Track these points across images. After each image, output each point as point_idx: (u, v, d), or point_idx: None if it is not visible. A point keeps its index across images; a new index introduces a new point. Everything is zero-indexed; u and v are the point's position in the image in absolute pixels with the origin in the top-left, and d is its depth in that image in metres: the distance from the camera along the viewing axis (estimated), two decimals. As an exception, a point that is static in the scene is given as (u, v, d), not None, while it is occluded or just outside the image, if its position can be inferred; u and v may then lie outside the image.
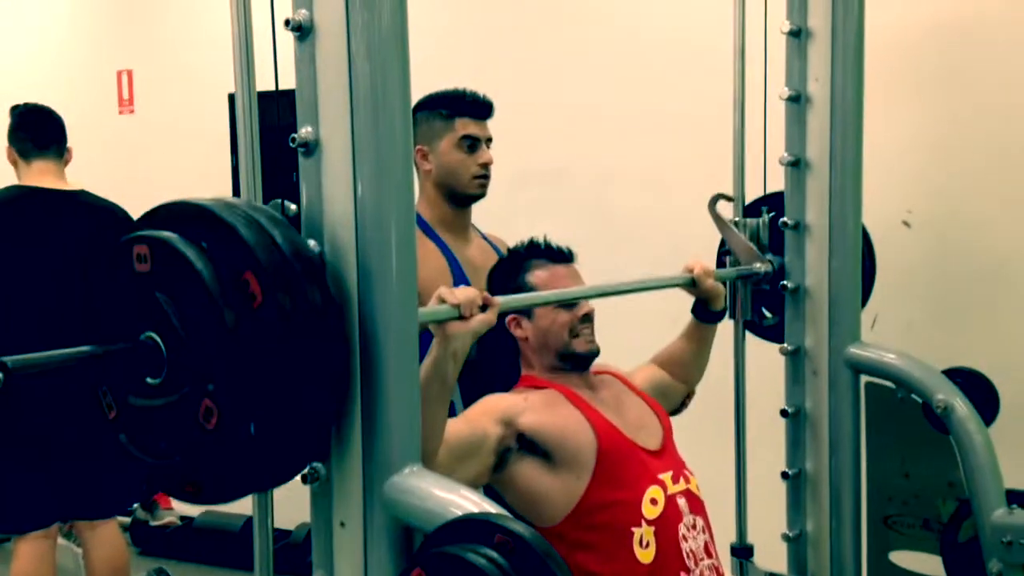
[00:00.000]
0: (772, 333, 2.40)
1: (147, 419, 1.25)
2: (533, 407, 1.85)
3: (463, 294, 1.51)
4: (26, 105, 3.00)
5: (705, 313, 2.18)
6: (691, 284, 2.12)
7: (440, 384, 1.51)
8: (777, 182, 2.36)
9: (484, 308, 1.53)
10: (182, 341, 1.19)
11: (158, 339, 1.21)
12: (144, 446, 1.27)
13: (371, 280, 1.30)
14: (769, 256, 2.31)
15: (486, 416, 1.79)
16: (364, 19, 1.29)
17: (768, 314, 2.39)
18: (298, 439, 1.25)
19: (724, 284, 2.22)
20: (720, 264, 2.41)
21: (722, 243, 2.43)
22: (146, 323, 1.22)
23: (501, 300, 1.59)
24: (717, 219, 2.31)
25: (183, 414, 1.20)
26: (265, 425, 1.19)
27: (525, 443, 1.81)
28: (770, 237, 2.34)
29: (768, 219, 2.34)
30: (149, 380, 1.23)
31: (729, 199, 2.35)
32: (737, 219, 2.36)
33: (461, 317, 1.49)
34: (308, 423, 1.25)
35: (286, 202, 1.35)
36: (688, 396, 2.27)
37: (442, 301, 1.49)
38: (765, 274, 2.29)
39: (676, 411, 2.25)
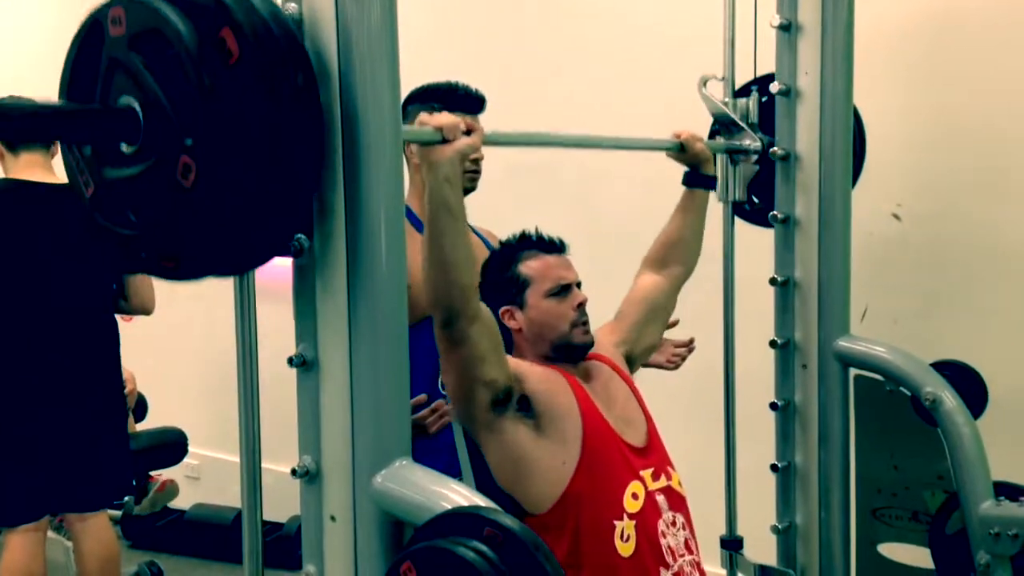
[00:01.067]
0: (760, 217, 2.39)
1: (125, 190, 1.22)
2: (535, 376, 1.88)
3: (444, 118, 1.51)
4: (9, 97, 2.98)
5: (697, 178, 2.19)
6: (680, 149, 2.12)
7: (446, 212, 1.52)
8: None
9: (468, 133, 1.54)
10: (158, 101, 1.17)
11: (135, 103, 1.19)
12: (121, 220, 1.24)
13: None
14: (759, 134, 2.31)
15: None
16: (354, 12, 1.29)
17: (756, 199, 2.39)
18: (277, 208, 1.23)
19: (714, 158, 2.22)
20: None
21: (712, 124, 2.42)
22: (121, 88, 1.20)
23: (485, 130, 1.59)
24: (706, 99, 2.30)
25: (160, 179, 1.18)
26: (243, 185, 1.17)
27: (524, 404, 1.82)
28: (759, 116, 2.33)
29: (758, 99, 2.33)
30: (125, 148, 1.21)
31: (719, 79, 2.34)
32: (727, 99, 2.35)
33: (445, 140, 1.49)
34: (288, 191, 1.22)
35: None
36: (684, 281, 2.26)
37: (424, 126, 1.50)
38: (755, 150, 2.29)
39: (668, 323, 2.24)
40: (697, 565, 1.89)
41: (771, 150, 2.27)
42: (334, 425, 1.35)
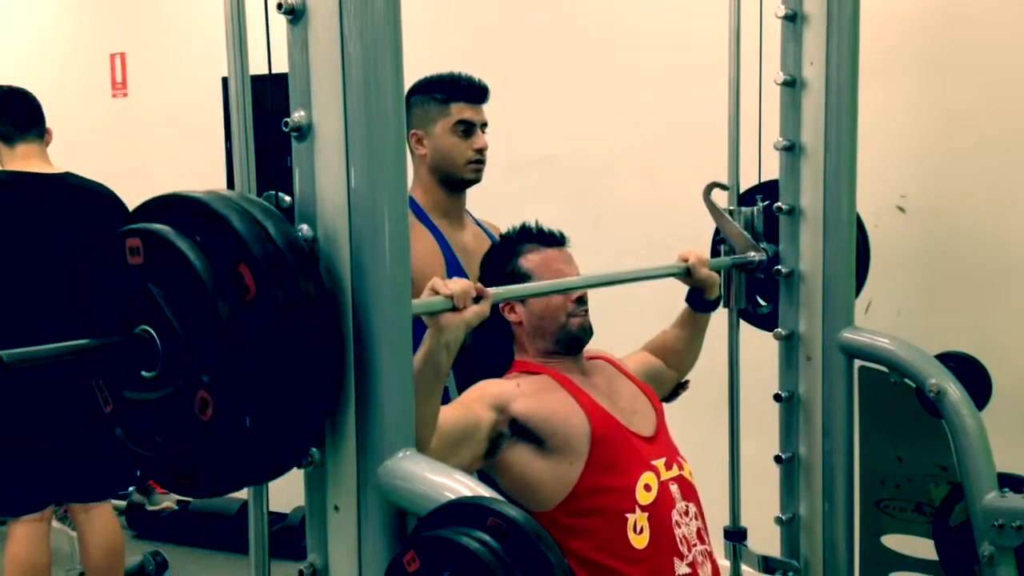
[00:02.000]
0: (766, 321, 2.41)
1: (143, 412, 1.25)
2: (526, 393, 1.85)
3: (456, 285, 1.49)
4: (1, 88, 2.97)
5: (700, 302, 2.19)
6: (686, 273, 2.12)
7: (433, 375, 1.50)
8: (772, 170, 2.36)
9: (478, 299, 1.52)
10: (176, 334, 1.19)
11: (152, 332, 1.21)
12: (140, 439, 1.27)
13: (364, 269, 1.30)
14: (764, 244, 2.31)
15: (479, 402, 1.79)
16: (357, 2, 1.28)
17: (762, 302, 2.40)
18: (293, 431, 1.25)
19: (719, 273, 2.23)
20: (715, 253, 2.42)
21: (716, 231, 2.43)
22: (140, 316, 1.22)
23: (494, 291, 1.59)
24: (712, 208, 2.31)
25: (178, 406, 1.20)
26: (260, 417, 1.19)
27: (518, 429, 1.81)
28: (764, 225, 2.34)
29: (762, 207, 2.33)
30: (144, 373, 1.23)
31: (724, 188, 2.35)
32: (732, 208, 2.36)
33: (455, 308, 1.49)
34: (303, 414, 1.25)
35: (280, 194, 1.34)
36: (680, 386, 2.28)
37: (435, 293, 1.48)
38: (759, 262, 2.29)
39: (667, 400, 2.25)
40: (709, 555, 1.89)
41: (775, 205, 2.29)
42: (338, 416, 1.35)
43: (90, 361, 1.28)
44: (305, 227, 1.33)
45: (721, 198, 2.34)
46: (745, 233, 2.31)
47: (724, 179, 2.36)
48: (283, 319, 1.18)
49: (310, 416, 1.28)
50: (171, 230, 1.20)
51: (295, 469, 1.39)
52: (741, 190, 2.40)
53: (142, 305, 1.22)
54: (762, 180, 2.42)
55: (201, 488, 1.26)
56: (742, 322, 2.44)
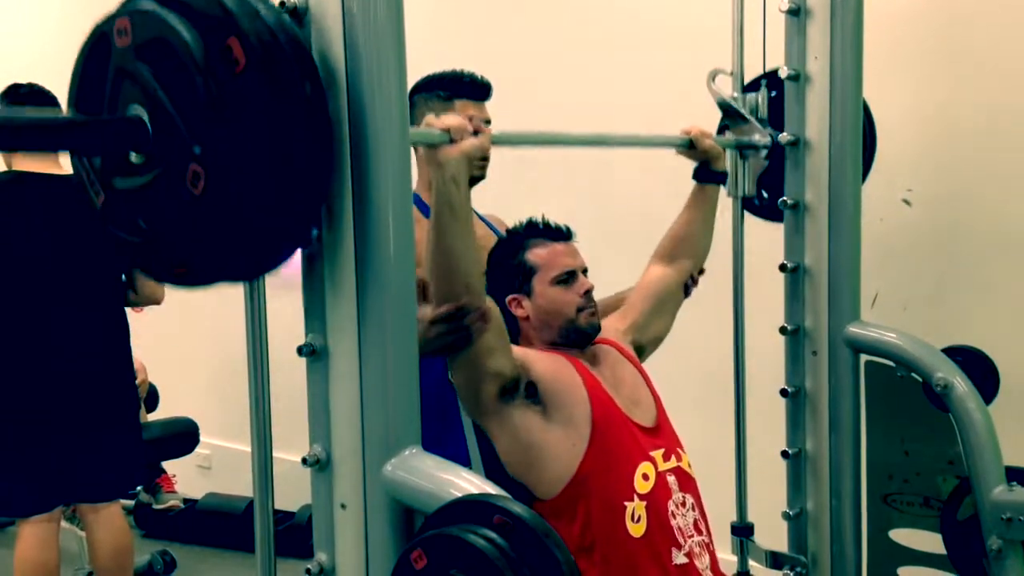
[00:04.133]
0: (770, 212, 2.38)
1: (134, 200, 1.23)
2: (542, 361, 1.88)
3: (452, 119, 1.51)
4: (22, 86, 2.98)
5: (707, 174, 2.19)
6: (689, 145, 2.12)
7: (450, 212, 1.52)
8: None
9: (475, 135, 1.54)
10: (166, 110, 1.18)
11: (143, 112, 1.20)
12: (132, 229, 1.25)
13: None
14: (768, 129, 2.30)
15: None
16: (360, 1, 1.28)
17: (766, 193, 2.38)
18: (286, 209, 1.23)
19: (723, 153, 2.21)
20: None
21: (721, 119, 2.41)
22: (129, 98, 1.21)
23: (492, 131, 1.59)
24: (715, 94, 2.29)
25: (170, 186, 1.19)
26: (253, 189, 1.17)
27: (531, 390, 1.83)
28: (769, 112, 2.32)
29: (767, 93, 2.32)
30: (134, 158, 1.22)
31: (727, 74, 2.33)
32: (736, 95, 2.34)
33: (452, 141, 1.49)
34: (296, 192, 1.23)
35: None
36: (695, 278, 2.25)
37: (431, 128, 1.51)
38: (764, 146, 2.28)
39: (687, 294, 2.23)
40: (707, 546, 1.90)
41: (780, 136, 2.26)
42: (344, 414, 1.35)
43: (81, 140, 1.26)
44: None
45: (726, 85, 2.32)
46: (749, 116, 2.29)
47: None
48: (274, 93, 1.16)
49: (304, 199, 1.25)
50: (159, 6, 1.19)
51: (302, 467, 1.39)
52: (745, 81, 2.36)
53: (131, 88, 1.20)
54: (766, 70, 2.39)
55: (195, 277, 1.25)
56: (748, 320, 2.43)
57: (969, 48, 2.78)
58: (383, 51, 1.30)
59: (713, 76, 2.28)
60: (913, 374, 2.21)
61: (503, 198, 2.43)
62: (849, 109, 2.21)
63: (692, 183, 2.24)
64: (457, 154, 1.50)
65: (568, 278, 1.96)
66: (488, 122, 2.27)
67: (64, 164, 2.95)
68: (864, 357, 2.29)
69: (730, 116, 2.31)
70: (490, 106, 2.28)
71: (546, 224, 2.03)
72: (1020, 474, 2.10)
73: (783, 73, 2.26)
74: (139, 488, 4.21)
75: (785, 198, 2.28)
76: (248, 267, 1.29)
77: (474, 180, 2.26)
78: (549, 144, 1.89)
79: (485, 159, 2.24)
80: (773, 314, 2.35)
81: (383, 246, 1.31)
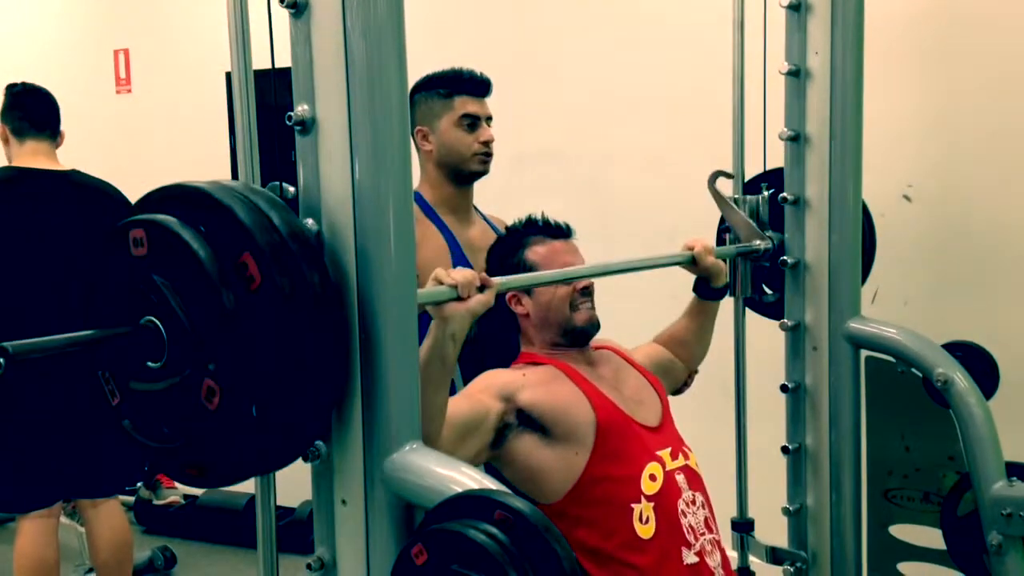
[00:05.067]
0: (772, 310, 2.40)
1: (149, 404, 1.25)
2: (531, 383, 1.85)
3: (460, 275, 1.49)
4: (24, 84, 2.99)
5: (707, 290, 2.19)
6: (691, 262, 2.12)
7: (440, 366, 1.51)
8: (777, 159, 2.35)
9: (482, 289, 1.52)
10: (182, 324, 1.19)
11: (158, 323, 1.21)
12: (147, 431, 1.27)
13: (369, 260, 1.30)
14: (769, 233, 2.31)
15: (486, 392, 1.79)
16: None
17: (768, 291, 2.39)
18: (299, 420, 1.25)
19: (724, 261, 2.22)
20: (720, 242, 2.41)
21: (722, 220, 2.42)
22: (145, 307, 1.22)
23: (499, 281, 1.59)
24: (717, 196, 2.31)
25: (185, 396, 1.21)
26: (266, 405, 1.19)
27: (524, 418, 1.81)
28: (770, 214, 2.33)
29: (768, 196, 2.33)
30: (150, 364, 1.23)
31: (729, 176, 2.35)
32: (737, 196, 2.35)
33: (459, 298, 1.49)
34: (309, 404, 1.25)
35: (284, 184, 1.34)
36: (690, 375, 2.28)
37: (439, 283, 1.48)
38: (765, 251, 2.29)
39: (678, 391, 2.25)
40: (717, 543, 1.89)
41: (780, 196, 2.27)
42: (345, 410, 1.35)
43: (96, 353, 1.28)
44: (310, 221, 1.33)
45: (726, 187, 2.34)
46: (750, 221, 2.30)
47: (729, 168, 2.36)
48: (288, 308, 1.18)
49: (316, 406, 1.28)
50: (175, 220, 1.20)
51: (302, 463, 1.39)
52: (746, 179, 2.39)
53: (147, 296, 1.22)
54: (767, 168, 2.42)
55: (209, 479, 1.27)
56: (748, 312, 2.44)
57: (969, 45, 2.78)
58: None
59: (714, 179, 2.29)
60: (913, 370, 2.21)
61: (503, 197, 2.43)
62: (849, 105, 2.20)
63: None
64: (463, 311, 1.49)
65: None
66: (489, 118, 2.27)
67: (63, 161, 2.95)
68: (864, 353, 2.29)
69: (731, 219, 2.32)
70: (493, 103, 2.28)
71: (546, 222, 2.03)
72: (1020, 469, 2.10)
73: (783, 69, 2.25)
74: (139, 484, 4.21)
75: (785, 194, 2.28)
76: (263, 467, 1.32)
77: (476, 175, 2.27)
78: (552, 283, 1.91)
79: (487, 154, 2.25)
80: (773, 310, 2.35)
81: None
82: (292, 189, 1.35)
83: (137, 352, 1.24)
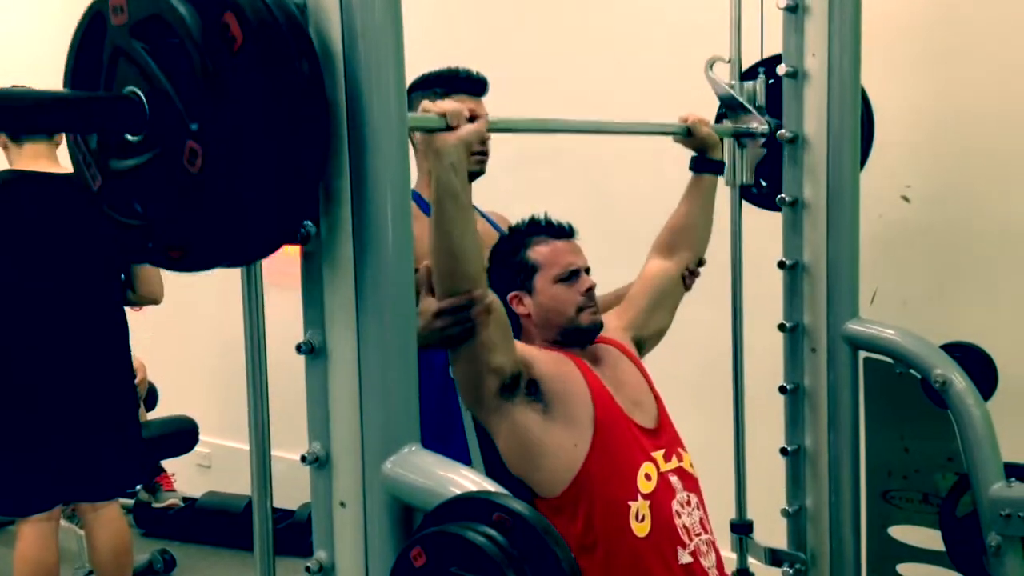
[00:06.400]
0: (767, 201, 2.38)
1: (131, 182, 1.23)
2: (544, 359, 1.88)
3: (449, 104, 1.50)
4: (14, 87, 2.98)
5: (704, 163, 2.18)
6: (686, 134, 2.11)
7: (452, 200, 1.51)
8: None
9: (472, 120, 1.52)
10: (163, 89, 1.17)
11: (139, 92, 1.19)
12: (129, 211, 1.24)
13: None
14: (766, 117, 2.29)
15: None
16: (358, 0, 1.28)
17: (764, 183, 2.38)
18: (284, 192, 1.22)
19: (721, 142, 2.21)
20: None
21: (719, 108, 2.41)
22: (125, 78, 1.20)
23: (489, 116, 1.58)
24: (713, 82, 2.29)
25: (167, 165, 1.18)
26: (250, 171, 1.17)
27: (533, 388, 1.82)
28: (767, 100, 2.32)
29: (765, 81, 2.31)
30: (131, 138, 1.21)
31: (725, 61, 2.33)
32: (733, 82, 2.34)
33: (449, 128, 1.48)
34: (293, 175, 1.22)
35: None
36: (696, 267, 2.24)
37: (427, 113, 1.49)
38: (762, 133, 2.27)
39: (688, 287, 2.22)
40: (712, 544, 1.90)
41: (778, 132, 2.26)
42: (343, 411, 1.35)
43: (76, 117, 1.24)
44: None
45: (723, 72, 2.31)
46: (748, 104, 2.29)
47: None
48: (271, 71, 1.16)
49: (301, 181, 1.25)
50: None
51: (301, 466, 1.39)
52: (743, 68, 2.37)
53: (127, 67, 1.19)
54: (764, 57, 2.39)
55: (191, 260, 1.23)
56: (746, 314, 2.44)
57: (967, 44, 2.78)
58: (381, 34, 1.29)
59: (711, 64, 2.28)
60: (912, 371, 2.21)
61: (504, 195, 2.43)
62: (847, 106, 2.21)
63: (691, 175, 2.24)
64: (455, 140, 1.49)
65: (571, 276, 1.96)
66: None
67: (65, 163, 2.95)
68: (863, 354, 2.29)
69: (728, 105, 2.31)
70: (492, 102, 2.28)
71: (548, 221, 2.03)
72: (1019, 470, 2.10)
73: (781, 70, 2.26)
74: (138, 487, 4.21)
75: (783, 195, 2.28)
76: (245, 250, 1.28)
77: (473, 175, 2.26)
78: (545, 131, 1.88)
79: (484, 153, 2.25)
80: (772, 311, 2.35)
81: (382, 238, 1.30)
82: None
83: (118, 120, 1.21)
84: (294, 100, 1.19)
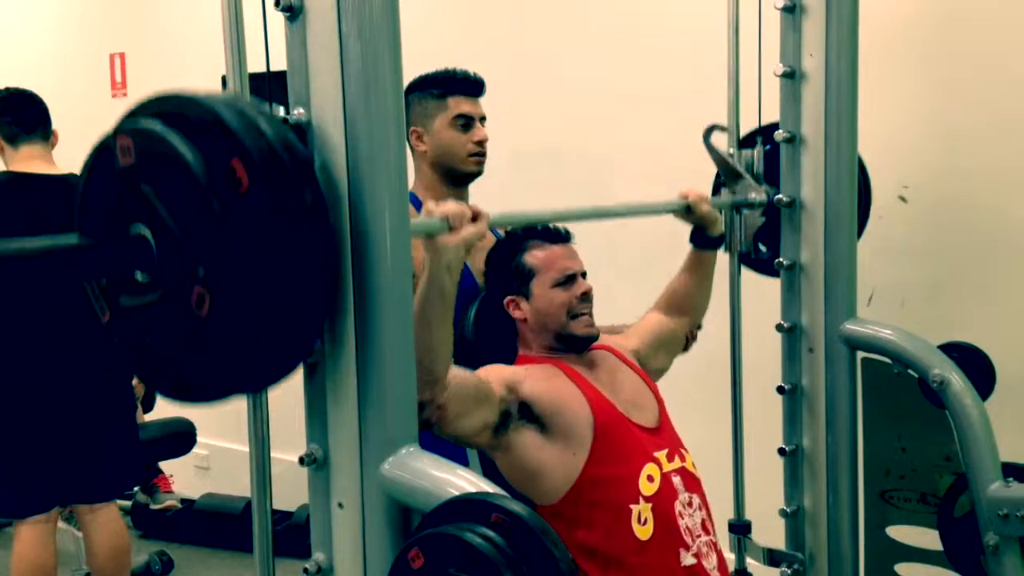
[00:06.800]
0: (767, 266, 2.39)
1: (139, 318, 1.24)
2: (533, 377, 1.86)
3: (450, 206, 1.49)
4: (8, 89, 2.98)
5: (704, 239, 2.18)
6: (686, 211, 2.11)
7: (440, 300, 1.50)
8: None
9: (475, 220, 1.52)
10: (171, 231, 1.18)
11: (147, 233, 1.20)
12: (138, 346, 1.25)
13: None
14: (764, 186, 2.30)
15: (492, 377, 1.79)
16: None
17: (763, 248, 2.38)
18: (290, 329, 1.23)
19: (720, 213, 2.22)
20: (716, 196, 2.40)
21: (717, 176, 2.41)
22: (133, 218, 1.21)
23: (490, 213, 1.58)
24: (711, 150, 2.30)
25: (175, 306, 1.19)
26: (257, 312, 1.17)
27: (525, 411, 1.82)
28: (764, 168, 2.33)
29: (763, 149, 2.32)
30: (139, 277, 1.22)
31: (723, 129, 2.33)
32: (732, 151, 2.35)
33: (451, 229, 1.49)
34: (299, 312, 1.23)
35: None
36: (693, 332, 2.26)
37: (431, 215, 1.48)
38: (760, 203, 2.28)
39: (685, 348, 2.24)
40: (714, 545, 1.89)
41: (776, 198, 2.26)
42: (341, 413, 1.35)
43: (85, 263, 1.27)
44: (300, 111, 1.32)
45: (721, 142, 2.32)
46: (745, 173, 2.29)
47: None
48: (277, 213, 1.17)
49: (306, 315, 1.26)
50: (162, 125, 1.18)
51: (299, 467, 1.39)
52: (741, 134, 2.37)
53: (135, 207, 1.20)
54: (762, 124, 2.40)
55: (200, 393, 1.25)
56: (745, 313, 2.44)
57: (966, 45, 2.78)
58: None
59: (709, 132, 2.28)
60: (910, 371, 2.21)
61: (501, 198, 2.43)
62: (845, 106, 2.21)
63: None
64: (457, 241, 1.49)
65: (567, 281, 1.96)
66: (483, 118, 2.27)
67: (60, 164, 2.95)
68: (861, 354, 2.29)
69: (726, 173, 2.31)
70: (489, 102, 2.28)
71: (545, 226, 2.03)
72: (1017, 470, 2.10)
73: (777, 71, 2.25)
74: (136, 488, 4.21)
75: (781, 196, 2.28)
76: (253, 383, 1.31)
77: (471, 176, 2.27)
78: (550, 221, 1.90)
79: (482, 154, 2.25)
80: (770, 311, 2.35)
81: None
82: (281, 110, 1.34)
83: (127, 264, 1.22)
84: (301, 239, 1.20)
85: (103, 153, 1.24)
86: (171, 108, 1.21)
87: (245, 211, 1.15)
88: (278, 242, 1.17)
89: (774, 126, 2.31)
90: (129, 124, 1.22)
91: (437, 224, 1.47)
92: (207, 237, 1.15)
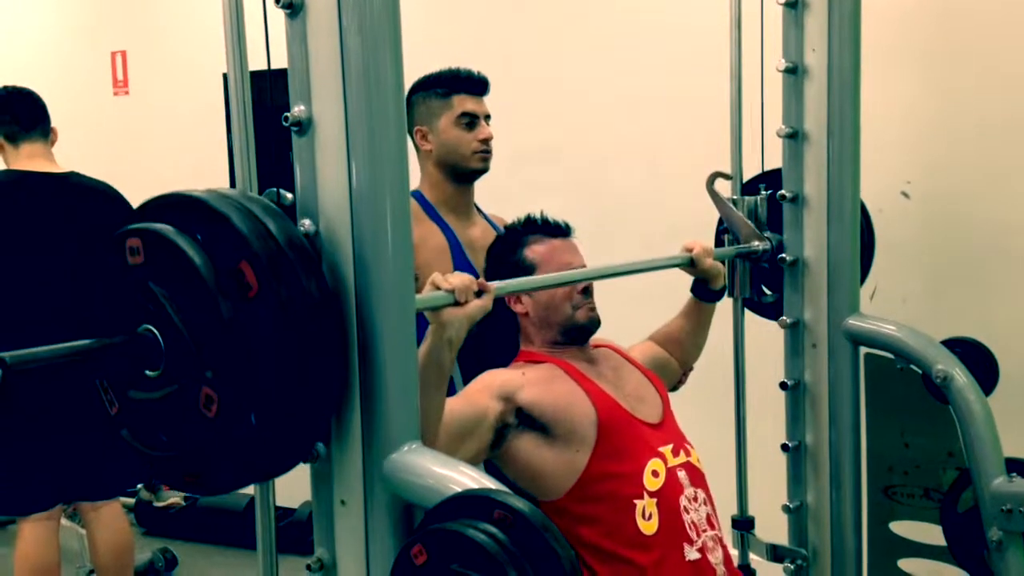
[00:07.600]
0: (771, 311, 2.40)
1: (148, 412, 1.25)
2: (531, 381, 1.85)
3: (457, 280, 1.48)
4: (6, 88, 2.98)
5: (705, 292, 2.19)
6: (690, 264, 2.12)
7: (437, 371, 1.50)
8: (775, 159, 2.35)
9: (480, 294, 1.51)
10: (179, 333, 1.19)
11: (155, 331, 1.21)
12: (146, 439, 1.27)
13: (367, 265, 1.30)
14: (767, 233, 2.30)
15: (485, 392, 1.79)
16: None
17: (767, 291, 2.39)
18: (298, 427, 1.25)
19: (723, 263, 2.22)
20: (719, 243, 2.41)
21: (720, 221, 2.42)
22: (142, 316, 1.22)
23: (496, 285, 1.58)
24: (715, 197, 2.30)
25: (183, 405, 1.21)
26: (265, 413, 1.19)
27: (524, 418, 1.81)
28: (768, 214, 2.33)
29: (766, 196, 2.32)
30: (148, 373, 1.23)
31: (727, 177, 2.34)
32: (735, 197, 2.35)
33: (457, 303, 1.48)
34: (308, 410, 1.25)
35: (281, 191, 1.34)
36: (685, 373, 2.28)
37: (436, 288, 1.48)
38: (764, 251, 2.28)
39: (674, 388, 2.25)
40: (720, 540, 1.89)
41: (779, 256, 2.26)
42: (344, 412, 1.35)
43: (94, 362, 1.28)
44: (307, 222, 1.33)
45: (724, 188, 2.33)
46: (749, 222, 2.30)
47: (727, 167, 2.35)
48: (286, 316, 1.18)
49: (315, 412, 1.27)
50: (171, 228, 1.20)
51: (302, 464, 1.39)
52: (744, 179, 2.39)
53: (144, 305, 1.22)
54: (765, 169, 2.41)
55: (208, 486, 1.26)
56: (747, 311, 2.44)
57: (968, 40, 2.78)
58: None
59: (712, 180, 2.29)
60: (913, 366, 2.21)
61: (501, 196, 2.43)
62: (847, 101, 2.20)
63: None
64: (461, 316, 1.48)
65: None
66: (488, 116, 2.28)
67: (60, 162, 2.95)
68: (864, 349, 2.29)
69: (729, 221, 2.31)
70: (491, 101, 2.28)
71: (545, 220, 2.03)
72: (1020, 465, 2.10)
73: (780, 67, 2.25)
74: (139, 486, 4.21)
75: (783, 191, 2.28)
76: (258, 475, 1.33)
77: (476, 173, 2.27)
78: (552, 286, 1.91)
79: (487, 151, 2.25)
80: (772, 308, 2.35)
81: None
82: (289, 196, 1.35)
83: (135, 361, 1.23)
84: (309, 343, 1.21)
85: (112, 248, 1.25)
86: (181, 209, 1.22)
87: (254, 316, 1.16)
88: (287, 346, 1.18)
89: (777, 172, 2.31)
90: (138, 224, 1.23)
91: (443, 298, 1.47)
92: (216, 341, 1.17)
